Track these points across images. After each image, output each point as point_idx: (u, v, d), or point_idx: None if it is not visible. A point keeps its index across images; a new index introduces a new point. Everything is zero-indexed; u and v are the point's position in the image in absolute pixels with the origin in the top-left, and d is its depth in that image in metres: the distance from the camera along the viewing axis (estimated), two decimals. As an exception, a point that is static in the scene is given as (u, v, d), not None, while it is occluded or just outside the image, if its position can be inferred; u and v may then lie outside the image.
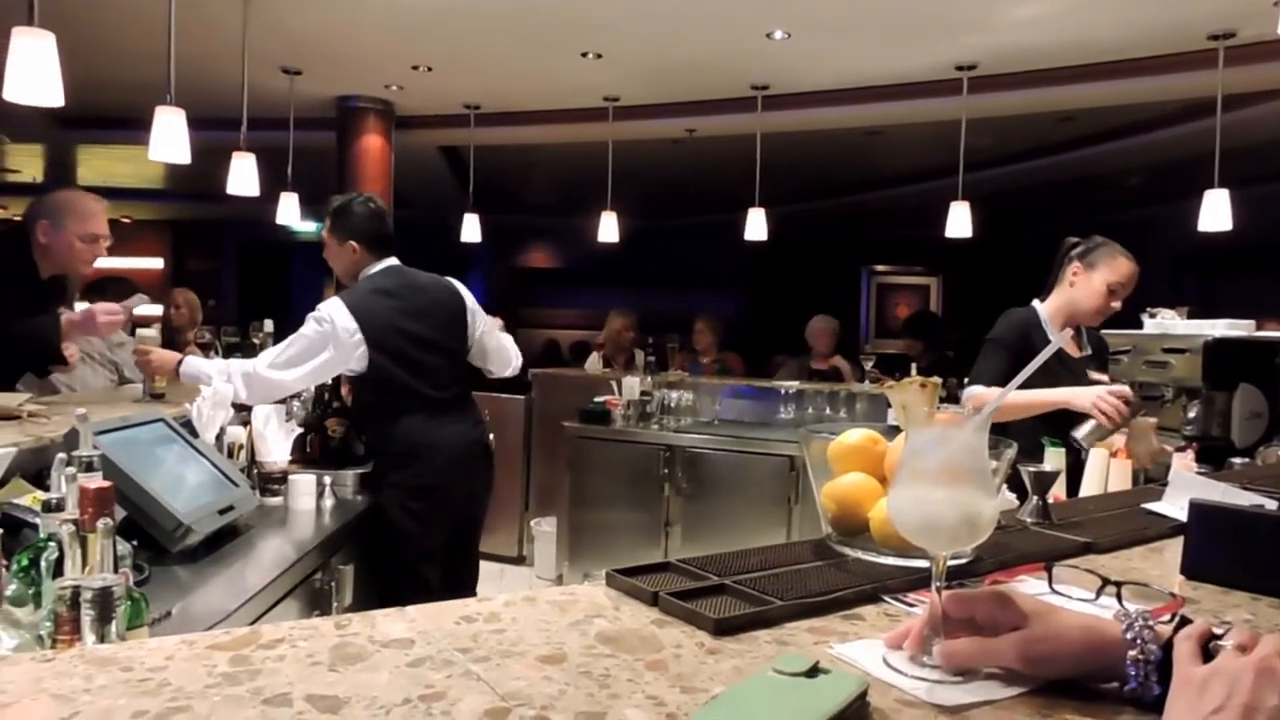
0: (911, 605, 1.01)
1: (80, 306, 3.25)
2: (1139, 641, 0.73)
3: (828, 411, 4.97)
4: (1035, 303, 2.94)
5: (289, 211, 5.93)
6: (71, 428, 1.83)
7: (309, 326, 2.73)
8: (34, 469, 1.91)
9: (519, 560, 5.59)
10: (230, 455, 2.50)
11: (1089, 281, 2.79)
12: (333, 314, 2.73)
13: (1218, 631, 0.72)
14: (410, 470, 2.78)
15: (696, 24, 4.82)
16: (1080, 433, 2.46)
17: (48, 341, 2.75)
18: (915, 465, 0.81)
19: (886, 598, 1.02)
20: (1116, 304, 2.81)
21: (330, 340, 2.71)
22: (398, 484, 2.78)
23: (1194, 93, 5.23)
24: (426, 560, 2.83)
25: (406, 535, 2.79)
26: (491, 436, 3.11)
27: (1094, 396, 2.49)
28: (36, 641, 1.02)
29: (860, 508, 1.15)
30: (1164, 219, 7.61)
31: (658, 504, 4.71)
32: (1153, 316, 3.44)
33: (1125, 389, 2.53)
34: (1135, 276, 2.82)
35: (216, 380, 2.60)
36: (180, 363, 2.79)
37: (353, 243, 2.92)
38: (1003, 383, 2.51)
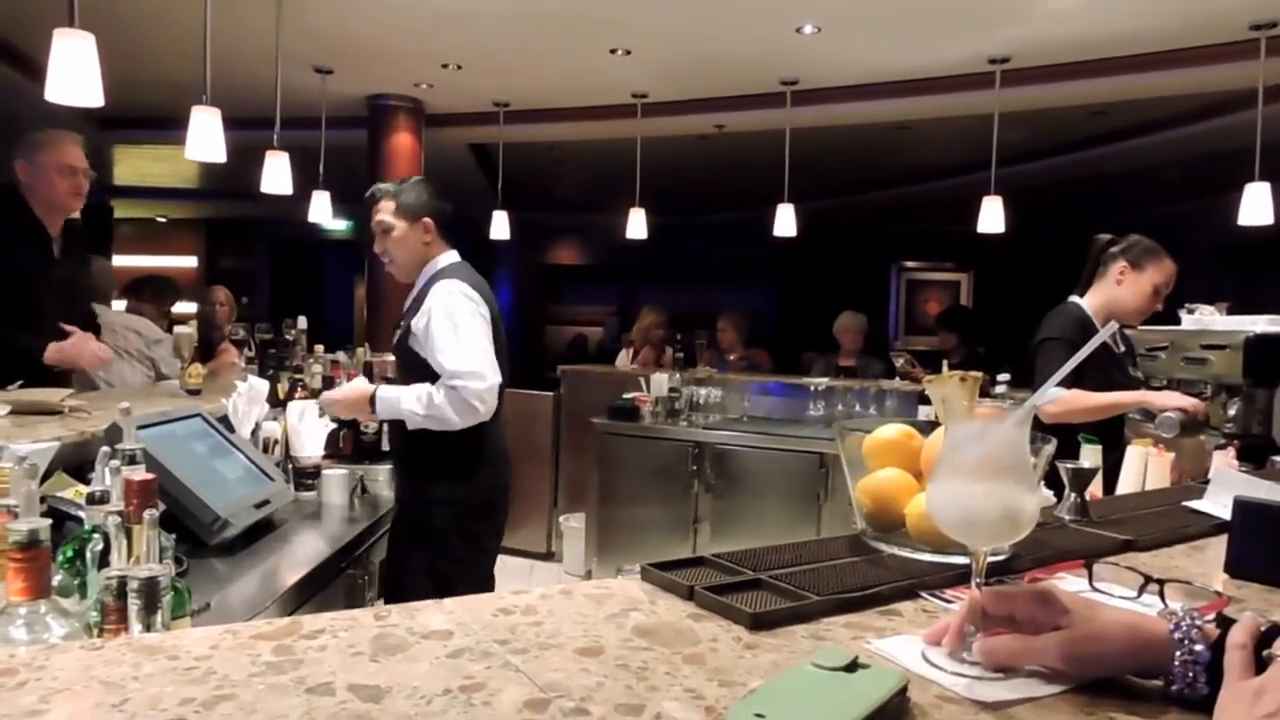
0: (949, 602, 1.00)
1: (119, 306, 3.29)
2: (1187, 641, 0.72)
3: (857, 408, 4.95)
4: (1075, 299, 2.92)
5: (321, 210, 5.99)
6: (113, 422, 1.87)
7: (456, 313, 2.43)
8: (75, 463, 1.94)
9: (548, 556, 5.62)
10: (265, 450, 2.54)
11: (1137, 282, 2.82)
12: (459, 289, 2.49)
13: (1264, 628, 0.70)
14: (473, 484, 2.50)
15: (725, 19, 4.81)
16: (1165, 422, 2.56)
17: (32, 362, 2.75)
18: (955, 459, 0.81)
19: (924, 594, 1.02)
20: (1159, 305, 2.84)
21: (476, 310, 2.47)
22: (456, 499, 2.47)
23: (1234, 84, 5.13)
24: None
25: (459, 561, 2.48)
26: None
27: (1171, 397, 2.62)
28: (84, 630, 1.04)
29: (896, 503, 1.15)
30: (1202, 213, 7.49)
31: (686, 501, 4.71)
32: (1191, 312, 3.37)
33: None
34: (1174, 277, 2.86)
35: (411, 407, 2.42)
36: (374, 398, 2.52)
37: (427, 219, 2.61)
38: (1075, 381, 2.54)
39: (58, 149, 2.91)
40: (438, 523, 2.48)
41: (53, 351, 2.80)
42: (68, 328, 2.90)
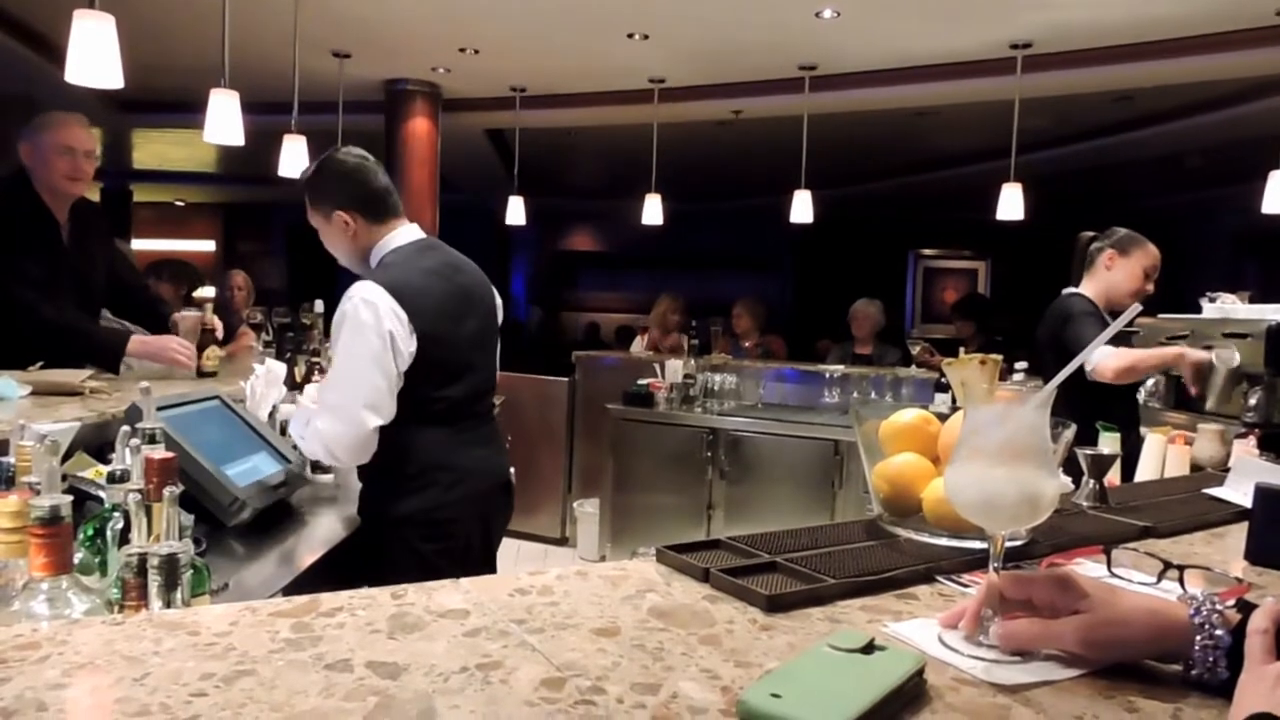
0: (966, 586, 0.99)
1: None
2: (1207, 626, 0.72)
3: (873, 395, 4.93)
4: (1072, 290, 3.05)
5: (338, 194, 5.99)
6: (133, 403, 1.89)
7: (343, 329, 2.02)
8: (95, 444, 1.96)
9: (561, 541, 5.64)
10: (283, 432, 2.55)
11: (1127, 266, 2.97)
12: (363, 294, 2.02)
13: None
14: (424, 498, 2.13)
15: (744, 3, 4.77)
16: (1224, 355, 2.74)
17: (113, 354, 2.75)
18: (975, 442, 0.80)
19: (940, 578, 1.02)
20: (1150, 287, 2.98)
21: (371, 327, 2.00)
22: (407, 517, 2.11)
23: (1261, 70, 5.06)
24: None
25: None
26: (512, 470, 2.43)
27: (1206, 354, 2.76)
28: (105, 607, 1.05)
29: (913, 488, 1.14)
30: (1226, 202, 7.40)
31: (700, 487, 4.72)
32: (1212, 301, 3.34)
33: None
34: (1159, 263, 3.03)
35: (297, 429, 2.16)
36: None
37: (340, 213, 2.17)
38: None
39: (57, 129, 2.82)
40: (383, 542, 2.13)
41: (136, 344, 2.78)
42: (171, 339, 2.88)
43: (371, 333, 1.99)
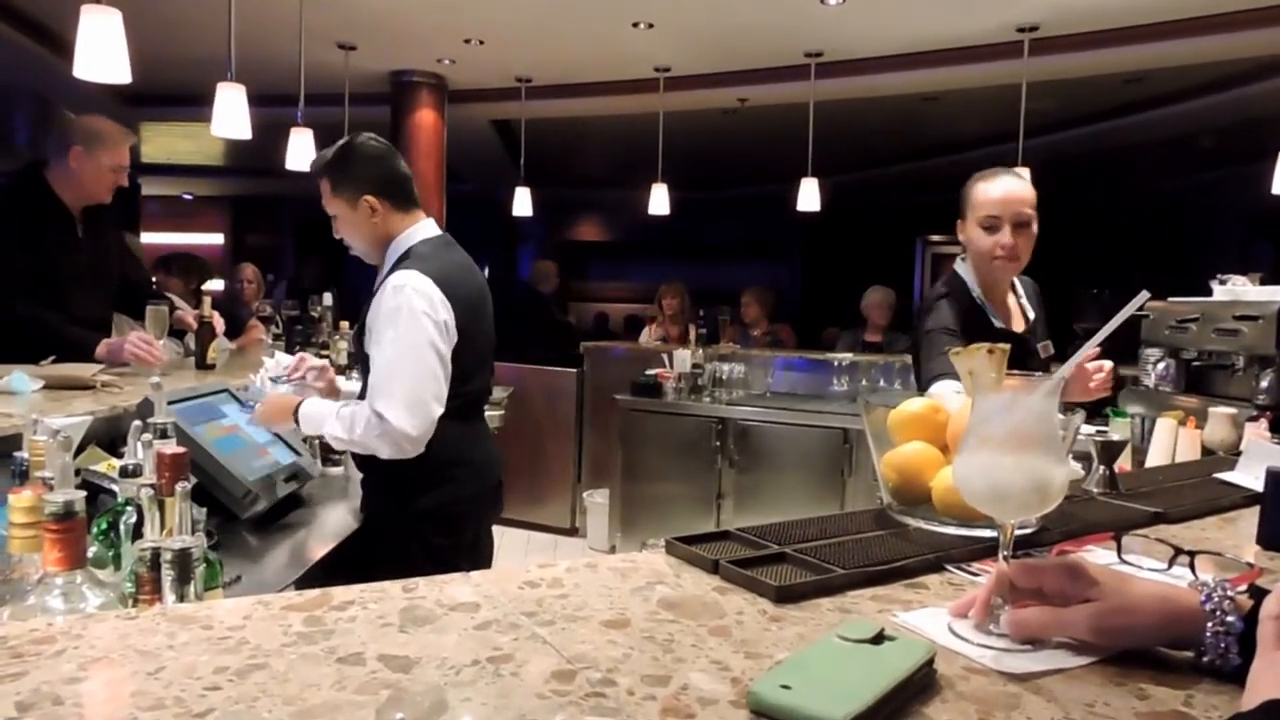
0: (976, 575, 0.99)
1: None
2: (1219, 612, 0.72)
3: (881, 383, 4.92)
4: (958, 265, 2.37)
5: (345, 186, 5.99)
6: (145, 397, 1.89)
7: (398, 321, 2.00)
8: (107, 437, 1.97)
9: (571, 532, 5.65)
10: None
11: (967, 231, 2.25)
12: (414, 285, 2.02)
13: None
14: (443, 493, 2.13)
15: (749, -10, 4.74)
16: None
17: (86, 356, 2.73)
18: (983, 431, 0.80)
19: (950, 567, 1.01)
20: (1004, 238, 2.15)
21: (426, 316, 2.02)
22: (426, 513, 2.11)
23: (1272, 49, 5.00)
24: None
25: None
26: None
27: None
28: (119, 601, 1.05)
29: (922, 476, 1.14)
30: (1237, 183, 7.34)
31: (710, 476, 4.72)
32: (1223, 283, 3.32)
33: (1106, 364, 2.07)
34: (1010, 196, 2.17)
35: (334, 430, 2.06)
36: (298, 408, 2.14)
37: (368, 199, 2.14)
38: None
39: (119, 151, 2.87)
40: (395, 536, 2.12)
41: (102, 349, 2.78)
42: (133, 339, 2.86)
43: (429, 322, 2.01)
